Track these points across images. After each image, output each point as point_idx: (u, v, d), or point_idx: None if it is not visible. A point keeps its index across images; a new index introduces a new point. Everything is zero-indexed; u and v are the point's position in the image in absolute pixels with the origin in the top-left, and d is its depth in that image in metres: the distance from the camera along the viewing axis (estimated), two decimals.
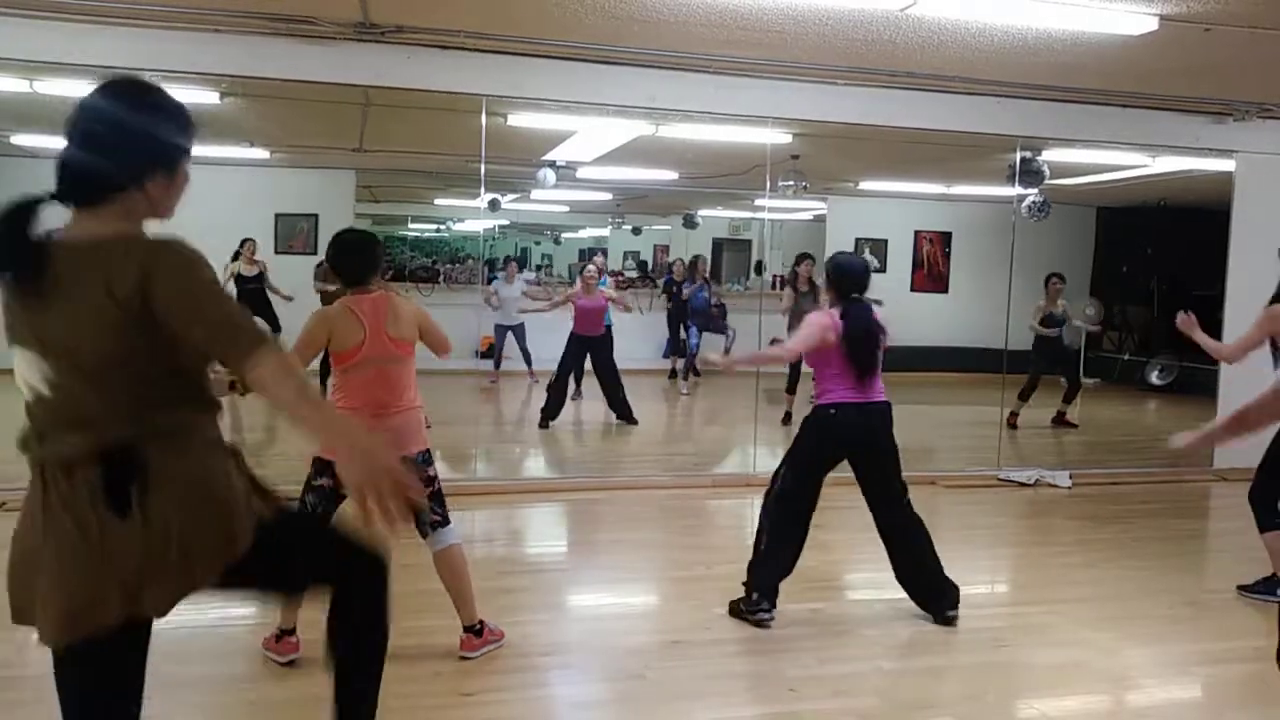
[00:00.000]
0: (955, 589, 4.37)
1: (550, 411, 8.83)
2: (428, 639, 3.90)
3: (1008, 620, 4.51)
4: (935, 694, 3.71)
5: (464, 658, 3.79)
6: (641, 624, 4.46)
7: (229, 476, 1.93)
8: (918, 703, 3.62)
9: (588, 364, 9.15)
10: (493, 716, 3.38)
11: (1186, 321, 4.79)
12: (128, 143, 1.83)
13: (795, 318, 8.95)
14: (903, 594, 4.53)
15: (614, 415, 9.03)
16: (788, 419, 9.03)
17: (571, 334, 9.02)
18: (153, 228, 1.90)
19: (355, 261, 3.68)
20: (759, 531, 4.39)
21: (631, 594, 4.95)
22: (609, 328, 9.18)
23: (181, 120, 1.89)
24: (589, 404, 9.90)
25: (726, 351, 11.20)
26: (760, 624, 4.20)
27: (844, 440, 4.31)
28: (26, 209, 1.78)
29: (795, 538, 4.30)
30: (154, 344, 1.78)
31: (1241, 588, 4.79)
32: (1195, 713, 3.82)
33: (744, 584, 4.33)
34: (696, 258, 11.84)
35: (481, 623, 3.82)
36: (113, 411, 1.80)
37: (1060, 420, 9.61)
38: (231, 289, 8.85)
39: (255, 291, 9.00)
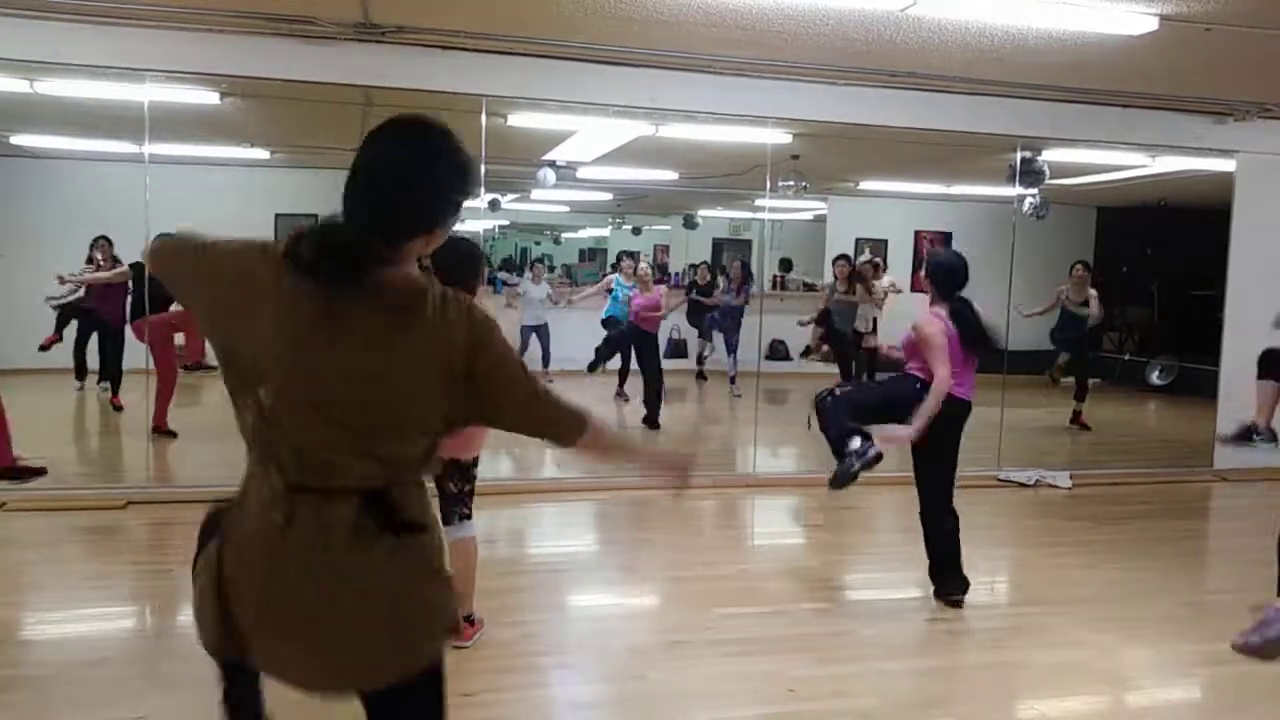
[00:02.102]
0: (966, 582, 4.50)
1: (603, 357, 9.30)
2: None
3: (1008, 621, 4.51)
4: (935, 694, 3.71)
5: (457, 646, 3.83)
6: (641, 624, 4.46)
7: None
8: (918, 703, 3.62)
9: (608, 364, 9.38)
10: (493, 716, 3.38)
11: None
12: (454, 191, 1.77)
13: (839, 313, 9.31)
14: (902, 594, 4.55)
15: (644, 412, 9.00)
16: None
17: (630, 324, 9.27)
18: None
19: (456, 267, 3.73)
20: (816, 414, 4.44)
21: (631, 594, 4.94)
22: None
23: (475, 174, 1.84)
24: (592, 404, 9.87)
25: (732, 380, 11.20)
26: (872, 460, 4.25)
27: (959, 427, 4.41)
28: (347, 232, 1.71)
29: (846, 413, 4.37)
30: (455, 404, 1.74)
31: (1221, 438, 4.78)
32: (1195, 714, 3.82)
33: (833, 440, 4.34)
34: (741, 263, 11.88)
35: (471, 614, 3.93)
36: (399, 456, 1.72)
37: (1076, 420, 9.59)
38: None
39: None
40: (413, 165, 1.73)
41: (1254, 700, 3.72)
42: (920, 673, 3.92)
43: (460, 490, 3.85)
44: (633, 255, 10.87)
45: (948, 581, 4.52)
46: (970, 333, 4.37)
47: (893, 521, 6.27)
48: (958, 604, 4.49)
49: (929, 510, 4.50)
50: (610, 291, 9.98)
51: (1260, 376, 4.66)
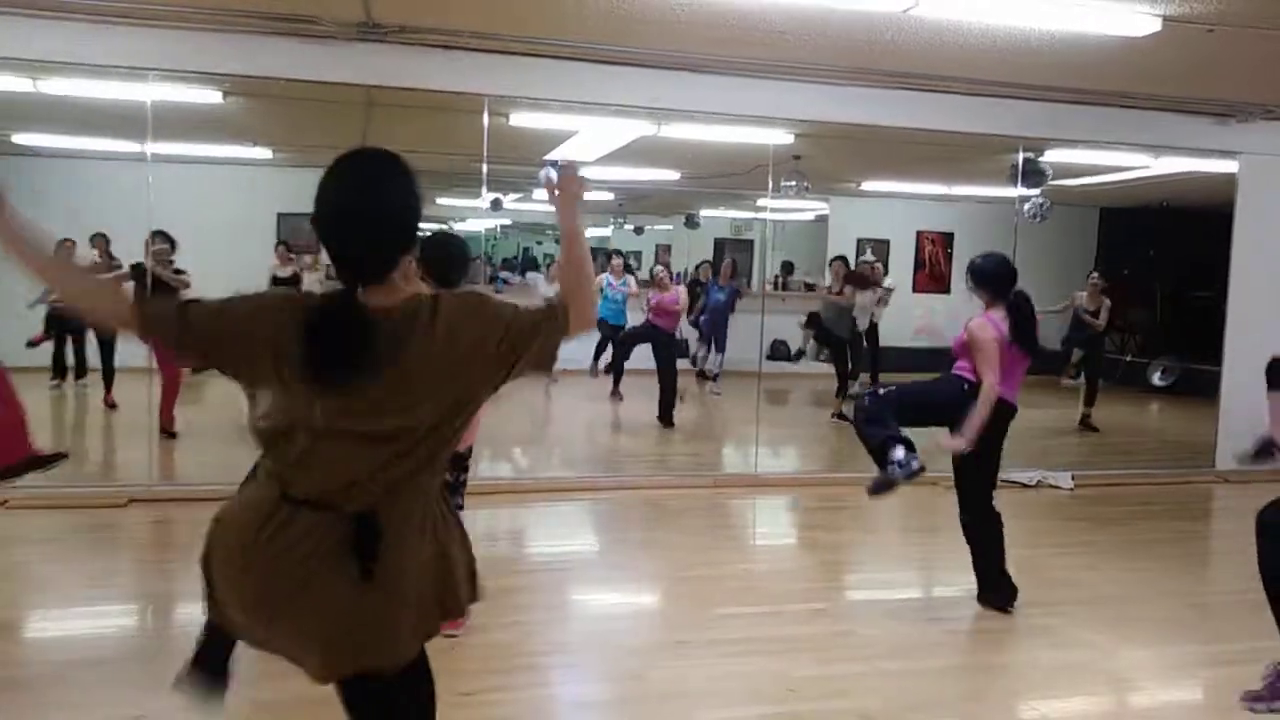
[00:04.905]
0: (1013, 588, 4.49)
1: (616, 369, 9.19)
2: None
3: (1009, 621, 4.50)
4: (935, 694, 3.70)
5: (448, 635, 3.86)
6: (642, 624, 4.46)
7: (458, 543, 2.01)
8: (918, 703, 3.61)
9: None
10: (493, 716, 3.38)
11: None
12: (413, 220, 1.87)
13: (830, 313, 9.33)
14: (902, 594, 4.55)
15: (657, 415, 8.96)
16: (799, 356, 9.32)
17: (648, 322, 9.22)
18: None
19: (444, 266, 3.81)
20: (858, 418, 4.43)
21: (631, 594, 4.94)
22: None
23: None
24: (590, 404, 9.89)
25: (715, 377, 11.24)
26: (915, 472, 4.22)
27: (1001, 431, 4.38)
28: (353, 301, 1.77)
29: (885, 417, 4.33)
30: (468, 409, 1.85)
31: (1238, 457, 4.68)
32: (1196, 714, 3.82)
33: (875, 452, 4.32)
34: (731, 261, 11.87)
35: None
36: (411, 470, 1.81)
37: (1085, 424, 9.58)
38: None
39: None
40: (383, 195, 1.82)
41: None
42: (920, 673, 3.91)
43: (456, 480, 3.87)
44: (620, 253, 10.74)
45: (997, 588, 4.50)
46: (1024, 333, 4.31)
47: (893, 521, 6.28)
48: (1006, 612, 4.48)
49: (972, 515, 4.48)
50: (601, 291, 9.88)
51: (1271, 388, 4.59)
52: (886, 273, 11.25)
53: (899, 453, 4.23)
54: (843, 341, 9.42)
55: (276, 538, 1.76)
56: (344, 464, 1.76)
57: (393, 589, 1.79)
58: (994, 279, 4.40)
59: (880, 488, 4.30)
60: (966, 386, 4.32)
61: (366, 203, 1.80)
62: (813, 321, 9.80)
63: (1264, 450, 4.58)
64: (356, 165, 1.84)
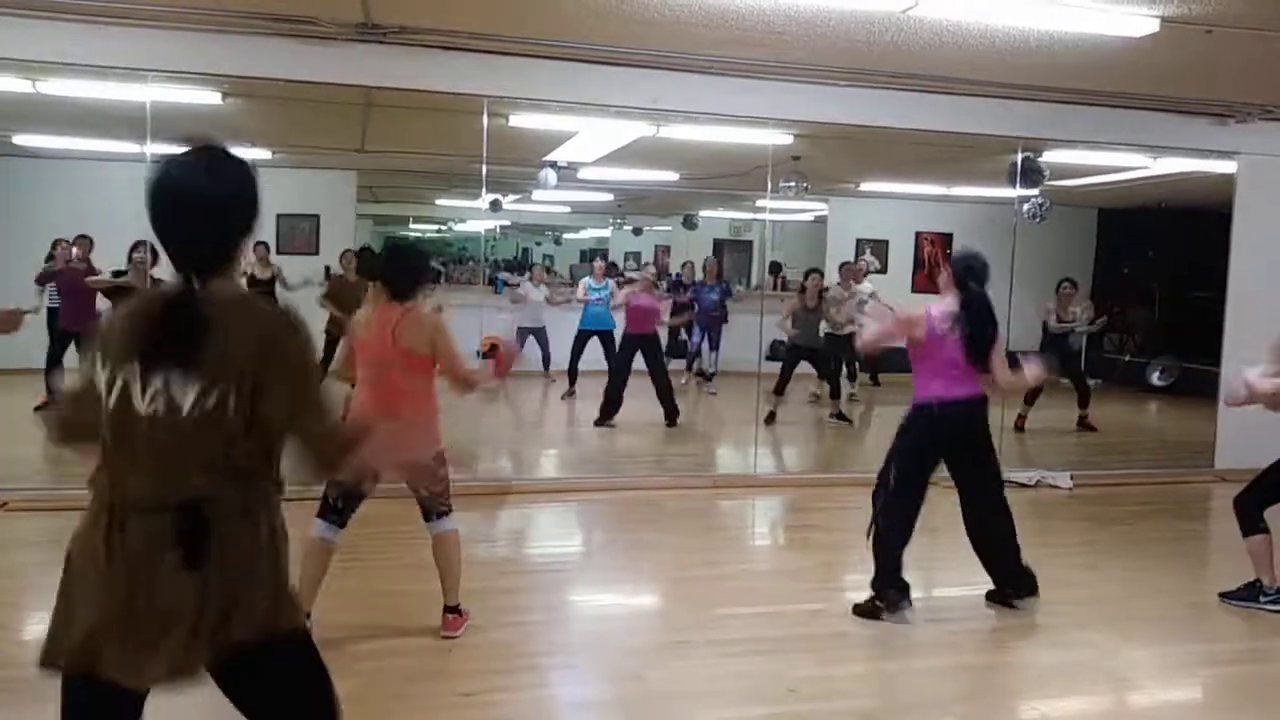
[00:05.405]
0: (1033, 576, 4.49)
1: (609, 410, 8.94)
2: (428, 640, 3.91)
3: (1008, 621, 4.50)
4: (935, 694, 3.71)
5: (446, 636, 3.90)
6: (642, 624, 4.46)
7: (283, 557, 1.96)
8: (918, 703, 3.62)
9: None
10: (493, 716, 3.38)
11: None
12: (247, 216, 1.90)
13: (803, 324, 9.24)
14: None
15: (663, 413, 9.01)
16: (771, 419, 8.98)
17: (625, 333, 9.15)
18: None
19: (398, 277, 3.78)
20: (872, 530, 4.44)
21: (631, 594, 4.94)
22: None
23: (259, 185, 1.94)
24: (589, 404, 9.87)
25: (711, 377, 11.20)
26: (902, 615, 4.28)
27: (946, 437, 4.39)
28: (191, 294, 1.82)
29: (903, 531, 4.38)
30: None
31: (1224, 595, 4.73)
32: (1196, 713, 3.82)
33: (873, 585, 4.38)
34: (715, 260, 11.85)
35: (458, 605, 3.96)
36: (225, 466, 1.82)
37: (1083, 424, 9.59)
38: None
39: (266, 295, 9.02)
40: (212, 181, 1.85)
41: (1254, 700, 3.72)
42: (920, 673, 3.92)
43: (433, 493, 3.85)
44: (604, 256, 10.66)
45: (1017, 581, 4.53)
46: (970, 319, 4.33)
47: None
48: (1032, 595, 4.52)
49: (978, 516, 4.53)
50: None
51: (1247, 535, 4.65)
52: (884, 270, 11.25)
53: (892, 594, 4.33)
54: (816, 352, 9.41)
55: (115, 544, 1.79)
56: (165, 462, 1.80)
57: (225, 574, 1.80)
58: (955, 262, 4.51)
59: (864, 613, 4.38)
60: (936, 409, 4.34)
61: (195, 189, 1.83)
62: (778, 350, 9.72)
63: (1250, 594, 4.64)
64: (186, 156, 1.87)
